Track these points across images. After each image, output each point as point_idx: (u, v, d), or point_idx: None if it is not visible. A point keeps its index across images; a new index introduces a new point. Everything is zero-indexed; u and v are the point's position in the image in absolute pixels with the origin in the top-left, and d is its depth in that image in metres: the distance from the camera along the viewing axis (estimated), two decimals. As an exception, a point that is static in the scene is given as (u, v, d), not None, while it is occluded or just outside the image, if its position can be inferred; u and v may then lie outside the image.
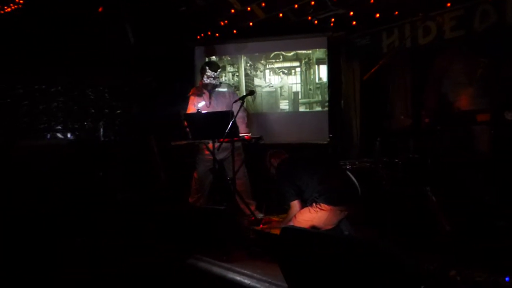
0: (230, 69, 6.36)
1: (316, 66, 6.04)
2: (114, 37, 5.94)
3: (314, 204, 3.60)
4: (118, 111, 6.40)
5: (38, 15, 5.37)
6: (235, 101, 4.24)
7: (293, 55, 6.13)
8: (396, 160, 4.73)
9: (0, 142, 5.30)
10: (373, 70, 4.27)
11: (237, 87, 6.15)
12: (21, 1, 4.91)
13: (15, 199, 4.56)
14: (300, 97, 6.10)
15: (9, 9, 4.99)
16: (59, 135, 5.93)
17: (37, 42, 5.55)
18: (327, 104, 5.97)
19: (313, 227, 3.52)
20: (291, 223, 3.64)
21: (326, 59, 5.96)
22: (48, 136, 5.83)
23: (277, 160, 4.05)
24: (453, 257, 3.18)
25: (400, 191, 4.32)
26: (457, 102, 5.04)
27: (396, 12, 5.29)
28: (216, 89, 4.84)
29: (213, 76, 4.74)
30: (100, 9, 5.31)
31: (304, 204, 3.72)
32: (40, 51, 5.59)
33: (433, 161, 4.55)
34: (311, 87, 6.07)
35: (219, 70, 4.84)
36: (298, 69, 6.11)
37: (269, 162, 4.12)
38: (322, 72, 6.00)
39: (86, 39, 5.81)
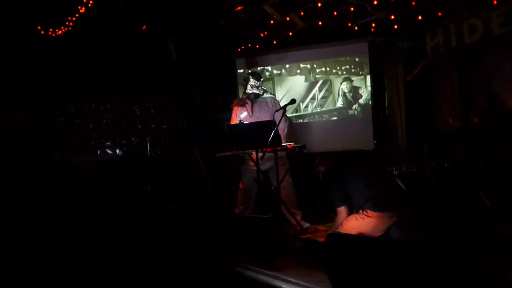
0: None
1: (359, 73, 6.01)
2: (158, 54, 6.14)
3: (360, 211, 3.57)
4: (164, 126, 6.61)
5: (86, 36, 5.65)
6: (277, 110, 4.29)
7: (333, 62, 6.14)
8: (446, 164, 4.62)
9: (55, 160, 5.59)
10: (416, 71, 4.20)
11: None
12: (71, 24, 5.19)
13: (70, 211, 4.77)
14: (343, 104, 6.09)
15: (60, 32, 5.29)
16: (108, 151, 6.19)
17: (85, 63, 5.83)
18: (371, 109, 5.92)
19: (361, 235, 3.48)
20: (337, 231, 3.62)
21: (368, 65, 5.92)
22: (98, 152, 6.10)
23: (325, 166, 4.05)
24: None
25: (451, 196, 4.21)
26: (509, 101, 4.87)
27: (439, 13, 5.18)
28: (259, 99, 4.91)
29: (256, 85, 4.83)
30: (143, 27, 5.52)
31: (351, 211, 3.69)
32: (88, 72, 5.87)
33: (485, 164, 4.41)
34: (355, 94, 6.05)
35: (261, 79, 4.94)
36: (340, 77, 6.11)
37: (317, 168, 4.12)
38: (366, 78, 5.98)
39: (130, 58, 6.07)
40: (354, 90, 6.03)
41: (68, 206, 4.74)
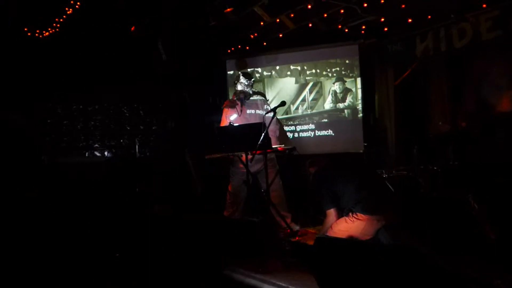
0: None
1: (349, 75, 6.04)
2: (147, 55, 6.13)
3: (350, 213, 3.57)
4: (153, 127, 6.58)
5: (73, 38, 5.62)
6: (267, 113, 4.29)
7: (324, 64, 6.16)
8: (435, 168, 4.66)
9: (43, 161, 5.54)
10: (404, 75, 4.26)
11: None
12: (58, 25, 5.15)
13: (56, 215, 4.72)
14: (332, 104, 6.10)
15: (47, 34, 5.25)
16: (96, 153, 6.15)
17: (73, 64, 5.80)
18: (361, 112, 5.94)
19: (350, 238, 3.48)
20: (327, 234, 3.62)
21: (358, 68, 5.95)
22: (87, 154, 6.06)
23: (315, 168, 4.03)
24: (498, 266, 3.10)
25: (440, 199, 4.24)
26: (498, 106, 4.91)
27: (429, 16, 5.22)
28: (249, 100, 4.91)
29: (246, 83, 4.83)
30: (132, 29, 5.49)
31: (341, 213, 3.69)
32: (76, 73, 5.84)
33: (474, 167, 4.45)
34: (345, 95, 6.07)
35: (252, 80, 4.94)
36: (331, 79, 6.13)
37: (307, 170, 4.10)
38: (356, 80, 6.00)
39: (119, 59, 6.05)
40: (345, 92, 6.05)
41: (55, 208, 4.68)
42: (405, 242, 3.50)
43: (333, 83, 6.09)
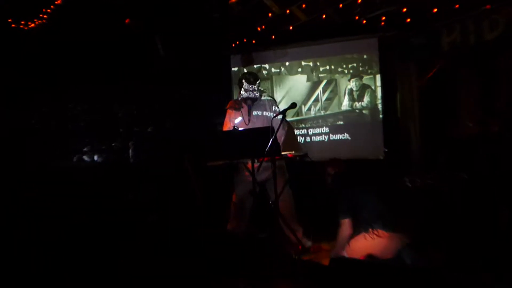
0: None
1: (367, 71, 5.98)
2: (143, 50, 6.10)
3: (370, 229, 3.51)
4: (149, 129, 6.53)
5: (63, 30, 5.59)
6: (275, 116, 4.20)
7: (339, 60, 6.10)
8: (465, 176, 4.58)
9: (25, 166, 5.52)
10: (430, 75, 4.16)
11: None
12: (45, 16, 5.12)
13: (43, 226, 4.69)
14: (349, 104, 6.06)
15: (33, 25, 5.22)
16: (85, 157, 6.12)
17: (61, 58, 5.78)
18: (381, 113, 5.87)
19: (370, 257, 3.42)
20: (343, 252, 3.57)
21: (378, 63, 5.90)
22: (75, 158, 6.02)
23: (335, 169, 4.03)
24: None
25: (470, 212, 4.15)
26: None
27: (457, 6, 5.15)
28: (255, 103, 4.82)
29: (251, 89, 4.73)
30: (126, 21, 5.45)
31: (358, 227, 3.62)
32: (64, 68, 5.81)
33: (507, 175, 4.36)
34: (362, 94, 6.00)
35: (258, 82, 4.80)
36: (347, 76, 6.07)
37: (326, 171, 4.10)
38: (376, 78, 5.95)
39: (112, 53, 6.01)
40: (363, 89, 5.99)
41: (32, 222, 4.65)
42: (432, 263, 3.44)
43: (349, 80, 6.06)
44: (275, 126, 3.94)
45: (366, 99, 5.96)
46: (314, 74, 6.23)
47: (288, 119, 4.96)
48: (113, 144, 6.28)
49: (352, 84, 6.04)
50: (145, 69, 6.25)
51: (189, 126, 6.48)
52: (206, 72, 6.52)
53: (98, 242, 4.43)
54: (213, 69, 6.55)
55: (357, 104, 6.02)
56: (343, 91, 6.08)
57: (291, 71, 6.33)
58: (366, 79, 5.97)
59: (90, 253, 4.26)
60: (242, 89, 4.74)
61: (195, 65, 6.47)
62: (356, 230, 3.64)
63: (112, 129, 6.33)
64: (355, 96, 6.02)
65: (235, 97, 5.45)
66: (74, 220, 4.82)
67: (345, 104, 6.06)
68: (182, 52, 6.33)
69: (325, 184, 4.10)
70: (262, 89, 4.98)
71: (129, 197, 5.64)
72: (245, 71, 4.84)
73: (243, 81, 4.74)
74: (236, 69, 6.45)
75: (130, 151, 6.19)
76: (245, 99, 4.74)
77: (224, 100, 5.63)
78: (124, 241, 4.49)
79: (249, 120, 4.71)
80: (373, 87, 5.93)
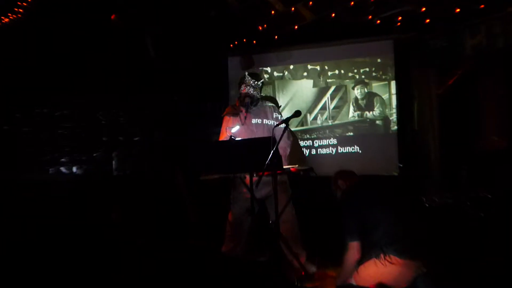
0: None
1: (381, 77, 5.99)
2: (131, 50, 6.12)
3: (382, 255, 3.47)
4: (136, 139, 6.53)
5: (40, 26, 5.60)
6: (277, 125, 4.18)
7: (349, 64, 6.11)
8: (489, 195, 4.58)
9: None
10: (451, 82, 4.16)
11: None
12: (21, 10, 5.14)
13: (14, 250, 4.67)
14: (355, 114, 6.06)
15: (6, 20, 5.23)
16: (63, 169, 6.10)
17: (37, 58, 5.78)
18: (395, 124, 5.88)
19: (380, 286, 3.39)
20: (351, 280, 3.54)
21: (393, 68, 5.91)
22: (51, 170, 6.00)
23: (346, 183, 3.99)
24: None
25: (496, 236, 4.12)
26: None
27: (482, 6, 5.16)
28: (255, 107, 4.82)
29: (253, 85, 4.75)
30: (112, 17, 5.47)
31: (369, 252, 3.59)
32: (40, 69, 5.81)
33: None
34: (370, 102, 6.02)
35: (261, 80, 4.89)
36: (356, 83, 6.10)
37: (335, 183, 4.06)
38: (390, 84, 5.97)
39: (96, 53, 6.02)
40: (369, 98, 6.00)
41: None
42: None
43: (353, 88, 6.10)
44: (277, 135, 3.93)
45: (377, 108, 5.97)
46: (321, 79, 6.25)
47: (291, 128, 4.95)
48: (94, 155, 6.27)
49: (357, 92, 6.08)
50: (133, 72, 6.27)
51: (180, 136, 6.47)
52: (200, 76, 6.55)
53: (75, 271, 4.41)
54: (209, 73, 6.57)
55: (368, 114, 6.02)
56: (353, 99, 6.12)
57: (296, 76, 6.34)
58: (378, 86, 5.98)
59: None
60: (243, 84, 4.77)
61: (188, 68, 6.49)
62: (366, 255, 3.60)
63: (94, 138, 6.33)
64: (362, 105, 6.04)
65: (232, 103, 5.44)
66: (46, 244, 4.79)
67: (354, 113, 6.08)
68: (174, 54, 6.35)
69: (332, 201, 4.05)
70: (263, 95, 5.01)
71: (113, 216, 5.58)
72: (246, 74, 4.83)
73: (246, 74, 4.81)
74: (234, 72, 6.44)
75: (114, 162, 6.16)
76: (244, 98, 4.76)
77: (220, 107, 5.66)
78: (107, 270, 4.47)
79: (245, 119, 4.73)
80: (386, 95, 5.94)
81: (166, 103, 6.62)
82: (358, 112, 6.05)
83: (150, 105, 6.59)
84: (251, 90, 4.77)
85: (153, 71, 6.30)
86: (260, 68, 6.40)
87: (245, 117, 4.75)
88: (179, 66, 6.46)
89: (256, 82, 4.79)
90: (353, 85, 6.11)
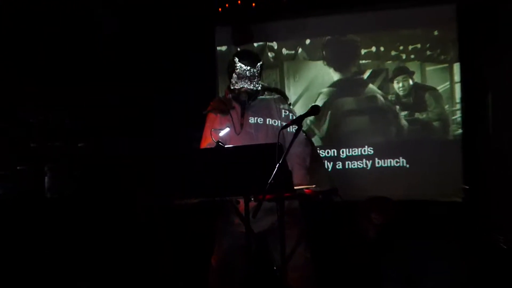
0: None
1: (438, 58, 6.03)
2: (76, 20, 6.17)
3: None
4: (80, 145, 6.51)
5: None
6: (286, 126, 4.16)
7: (391, 38, 6.15)
8: None
9: None
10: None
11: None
12: None
13: None
14: (407, 116, 6.09)
15: None
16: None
17: None
18: (459, 127, 5.90)
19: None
20: None
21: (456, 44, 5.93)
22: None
23: (382, 216, 4.03)
24: None
25: None
26: None
27: None
28: (254, 101, 4.80)
29: (248, 74, 4.71)
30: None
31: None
32: None
33: None
34: (422, 101, 6.06)
35: (259, 64, 4.78)
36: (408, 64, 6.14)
37: (366, 217, 4.15)
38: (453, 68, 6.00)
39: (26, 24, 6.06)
40: (416, 93, 6.04)
41: None
42: None
43: (391, 80, 6.18)
44: (287, 141, 3.90)
45: (432, 107, 5.98)
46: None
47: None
48: (18, 168, 6.25)
49: (397, 86, 6.14)
50: (77, 53, 6.34)
51: (144, 142, 6.47)
52: (174, 54, 6.56)
53: None
54: (187, 50, 6.59)
55: (418, 114, 6.04)
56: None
57: (313, 55, 6.39)
58: (435, 70, 6.02)
59: None
60: (234, 74, 4.71)
61: (162, 44, 6.53)
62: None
63: (18, 145, 6.30)
64: (408, 104, 6.09)
65: (221, 94, 5.42)
66: None
67: (397, 112, 6.12)
68: (144, 25, 6.42)
69: (364, 239, 4.06)
70: (265, 84, 4.98)
71: (45, 252, 5.63)
72: (236, 58, 4.78)
73: (236, 60, 4.71)
74: (224, 48, 6.56)
75: (47, 179, 6.15)
76: (238, 93, 4.73)
77: (203, 100, 5.61)
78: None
79: (241, 127, 4.70)
80: (447, 85, 5.99)
81: (123, 95, 6.62)
82: (405, 113, 6.07)
83: (104, 99, 6.61)
84: (247, 83, 4.73)
85: (113, 52, 6.36)
86: (262, 43, 6.43)
87: (242, 117, 4.73)
88: (150, 42, 6.51)
89: (253, 69, 4.73)
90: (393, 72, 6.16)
